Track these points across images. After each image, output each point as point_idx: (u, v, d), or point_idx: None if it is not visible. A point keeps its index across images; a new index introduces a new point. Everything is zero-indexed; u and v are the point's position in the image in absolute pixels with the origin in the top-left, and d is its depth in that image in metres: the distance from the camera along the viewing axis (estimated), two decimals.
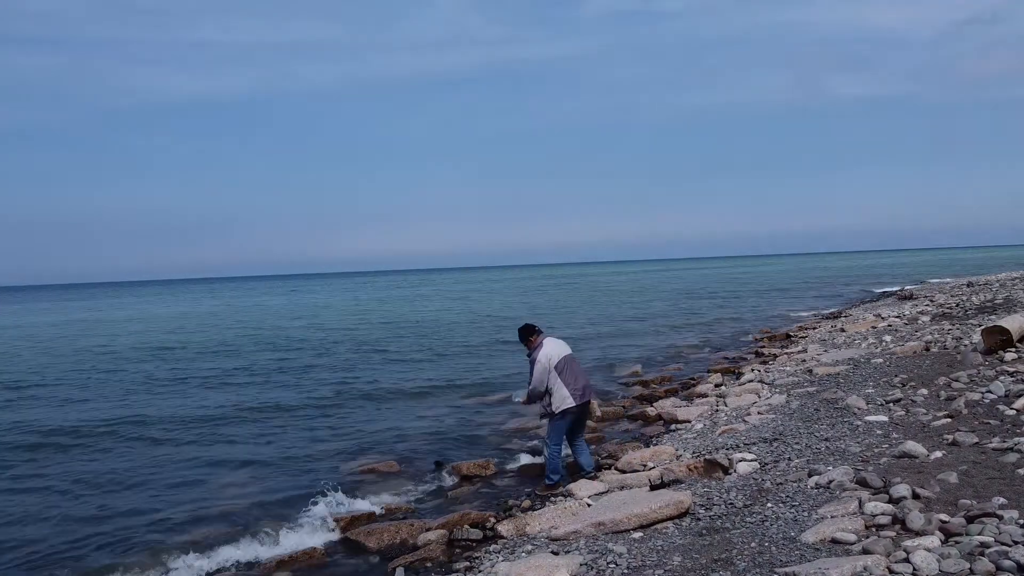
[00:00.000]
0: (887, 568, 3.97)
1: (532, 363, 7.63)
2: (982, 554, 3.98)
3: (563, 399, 7.56)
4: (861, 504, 5.00)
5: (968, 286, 29.26)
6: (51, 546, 7.19)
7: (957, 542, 4.22)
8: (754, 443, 7.59)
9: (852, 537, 4.51)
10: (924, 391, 8.63)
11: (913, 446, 6.20)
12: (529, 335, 7.81)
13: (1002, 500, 4.80)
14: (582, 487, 7.24)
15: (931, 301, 23.49)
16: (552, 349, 7.67)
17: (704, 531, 5.24)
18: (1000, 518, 4.45)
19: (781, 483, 6.01)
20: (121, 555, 6.86)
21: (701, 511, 5.69)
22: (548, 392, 7.58)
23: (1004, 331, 10.17)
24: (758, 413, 9.17)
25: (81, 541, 7.29)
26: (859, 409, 8.21)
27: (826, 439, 7.19)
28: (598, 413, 11.47)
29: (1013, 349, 9.94)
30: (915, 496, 5.03)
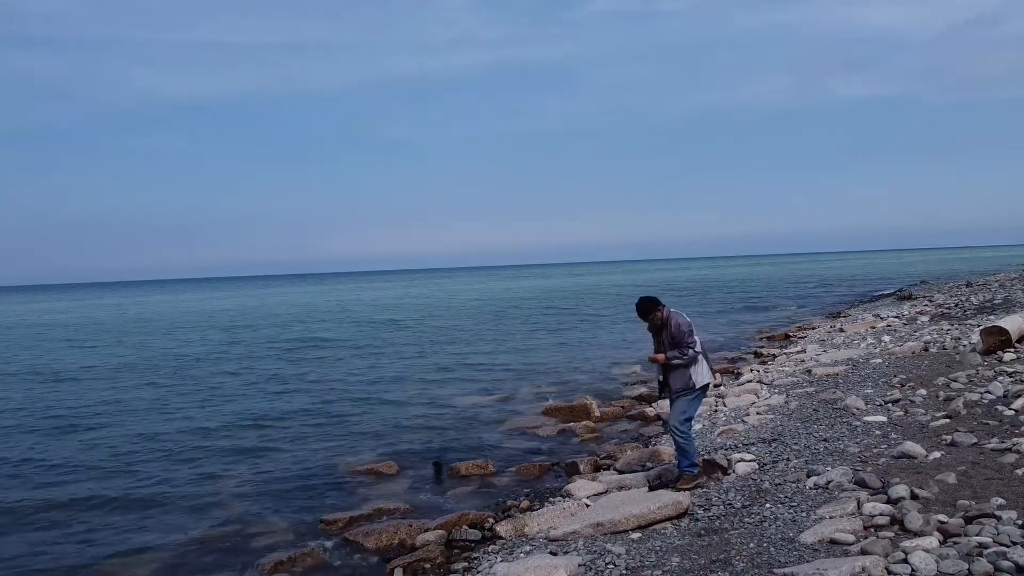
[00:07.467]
0: (885, 569, 3.98)
1: (679, 325, 6.47)
2: (980, 555, 3.99)
3: (706, 372, 6.61)
4: (859, 505, 5.00)
5: (967, 286, 29.28)
6: (51, 548, 7.19)
7: (955, 543, 4.22)
8: (753, 443, 7.59)
9: (850, 538, 4.51)
10: (923, 391, 8.62)
11: (912, 446, 6.20)
12: (657, 306, 6.63)
13: (1000, 501, 4.81)
14: (581, 487, 7.23)
15: (930, 301, 23.52)
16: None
17: (703, 532, 5.24)
18: (998, 519, 4.46)
19: (780, 484, 6.01)
20: (118, 558, 6.85)
21: (700, 512, 5.69)
22: (695, 361, 6.51)
23: (1003, 331, 10.18)
24: (757, 413, 9.17)
25: (73, 545, 7.28)
26: (858, 409, 8.20)
27: (825, 439, 7.19)
28: (597, 413, 11.48)
29: (1012, 349, 9.95)
30: (914, 497, 5.04)
